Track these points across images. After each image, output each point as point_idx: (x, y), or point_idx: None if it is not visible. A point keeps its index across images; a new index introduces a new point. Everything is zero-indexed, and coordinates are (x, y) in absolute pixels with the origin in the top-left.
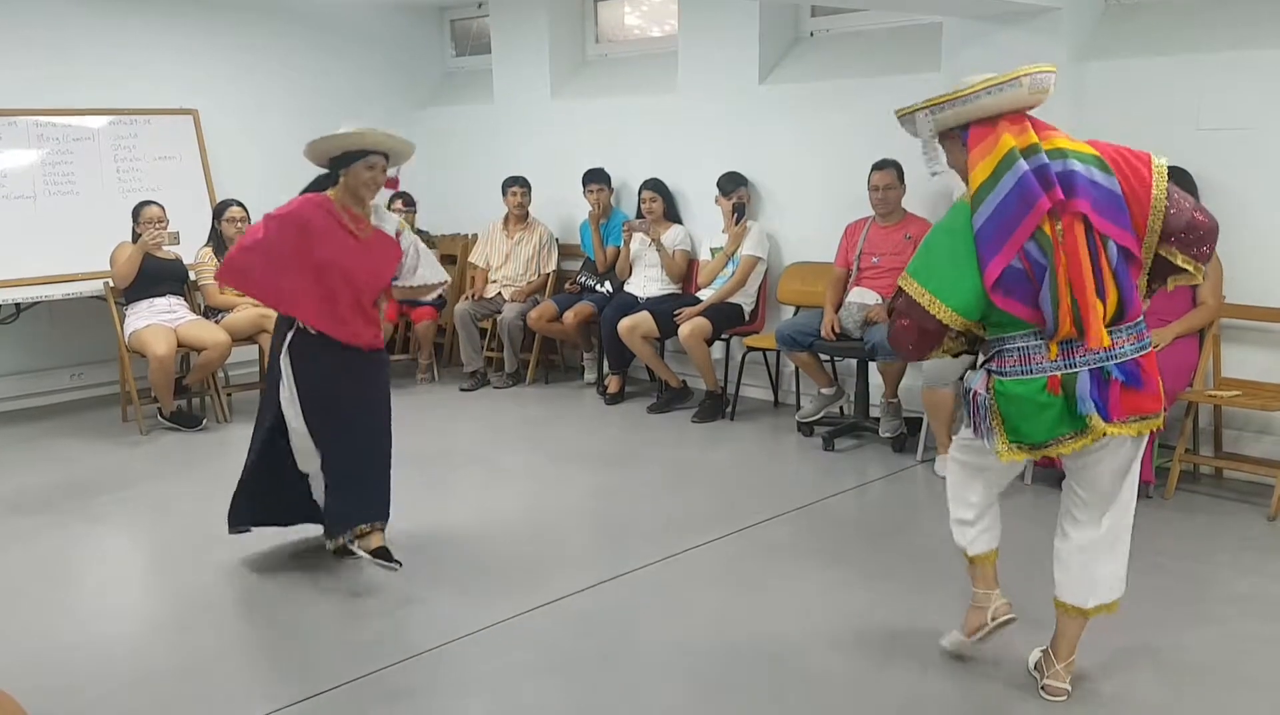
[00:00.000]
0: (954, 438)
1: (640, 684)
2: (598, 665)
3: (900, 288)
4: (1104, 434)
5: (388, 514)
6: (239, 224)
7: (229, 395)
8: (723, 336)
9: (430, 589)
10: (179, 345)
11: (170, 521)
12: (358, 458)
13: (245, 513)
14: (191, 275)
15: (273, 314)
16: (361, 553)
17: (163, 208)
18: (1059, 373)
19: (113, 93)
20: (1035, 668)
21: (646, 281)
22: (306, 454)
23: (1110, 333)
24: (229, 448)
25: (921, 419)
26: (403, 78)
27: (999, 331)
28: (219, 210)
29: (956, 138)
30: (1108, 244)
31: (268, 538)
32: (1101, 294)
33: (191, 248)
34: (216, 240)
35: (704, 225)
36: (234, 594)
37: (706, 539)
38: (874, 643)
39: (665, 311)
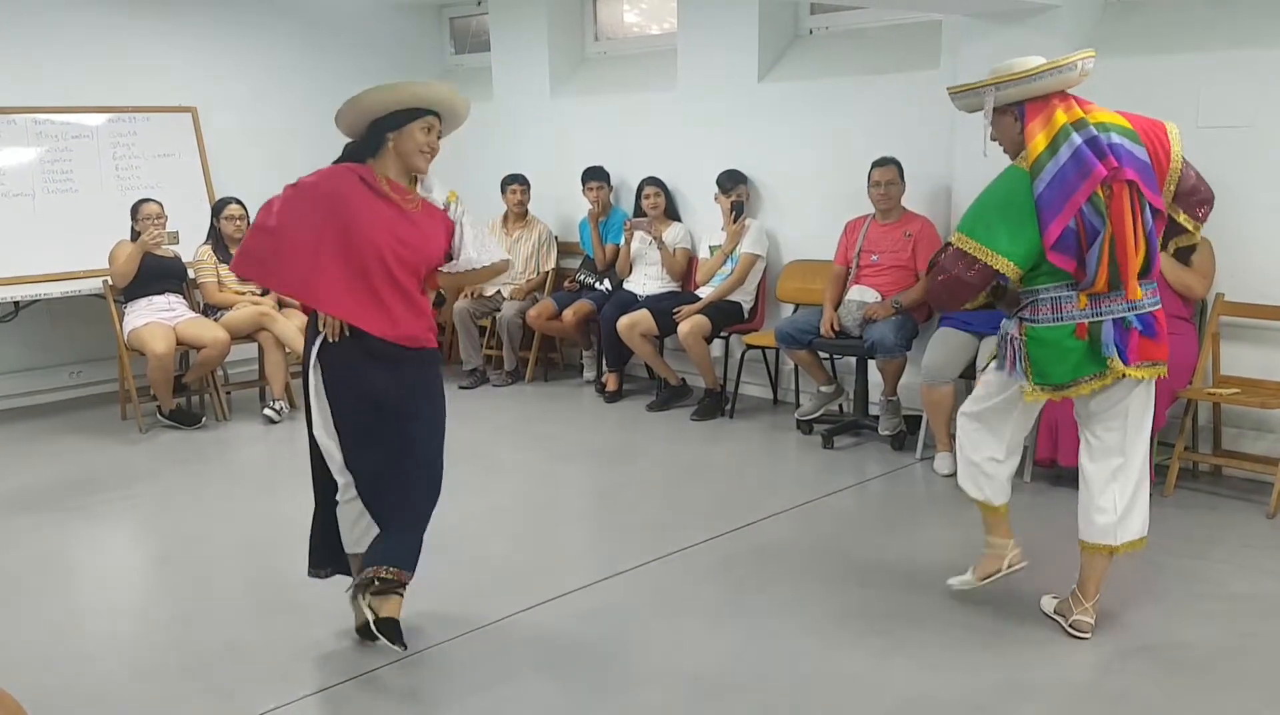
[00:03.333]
0: (971, 397)
1: (638, 682)
2: (595, 663)
3: (950, 244)
4: (1122, 375)
5: (415, 565)
6: (238, 222)
7: (228, 393)
8: (722, 334)
9: (429, 587)
10: (178, 343)
11: (169, 519)
12: (404, 489)
13: (323, 556)
14: (190, 273)
15: (274, 312)
16: (367, 613)
17: (161, 205)
18: (1087, 320)
19: (111, 90)
20: (1056, 611)
21: (646, 279)
22: (344, 483)
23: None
24: (228, 446)
25: (921, 417)
26: (401, 75)
27: (1034, 283)
28: (218, 208)
29: (1010, 113)
30: (1145, 208)
31: (267, 536)
32: (1135, 252)
33: (190, 246)
34: (215, 238)
35: (703, 223)
36: (233, 592)
37: (705, 537)
38: (873, 640)
39: (664, 309)
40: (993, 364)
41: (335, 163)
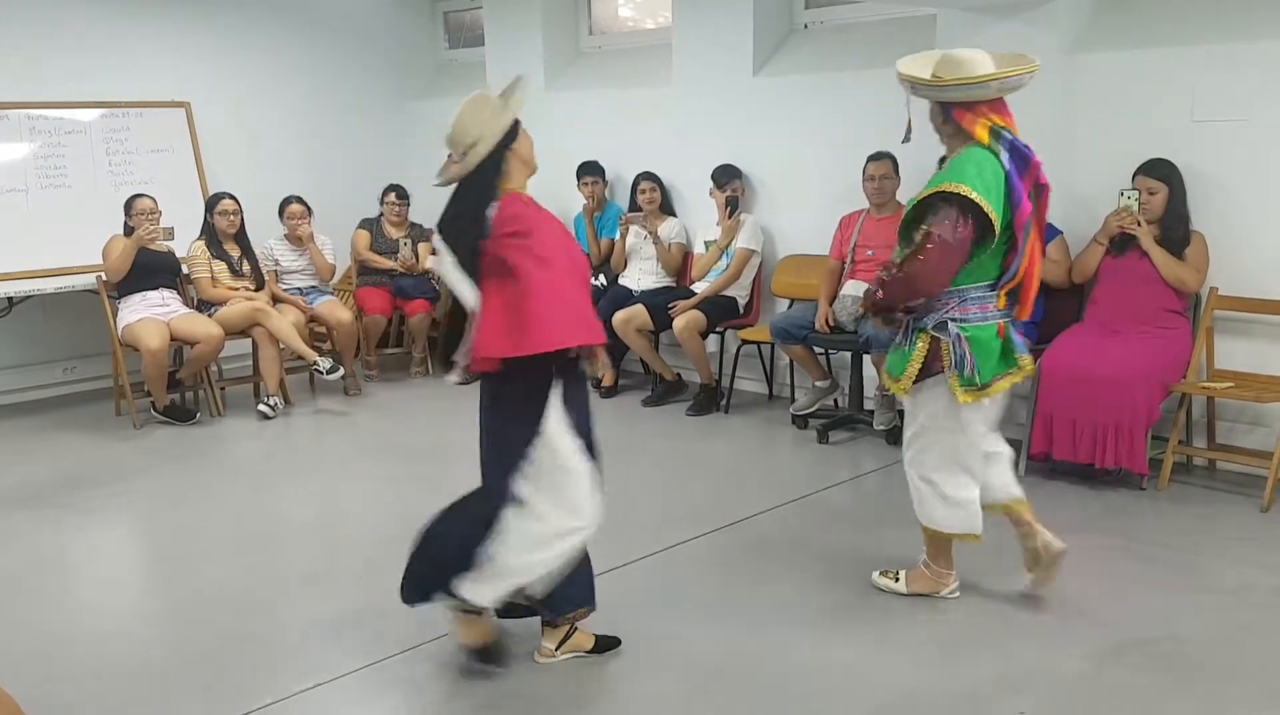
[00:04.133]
0: (914, 442)
1: (635, 673)
2: (592, 657)
3: (939, 203)
4: (1029, 372)
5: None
6: (231, 217)
7: (222, 389)
8: (717, 329)
9: None
10: (172, 339)
11: (164, 515)
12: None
13: (569, 601)
14: (184, 269)
15: (268, 308)
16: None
17: (155, 200)
18: (1004, 320)
19: (104, 85)
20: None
21: (641, 274)
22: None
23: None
24: (223, 442)
25: None
26: (396, 70)
27: (963, 282)
28: (211, 203)
29: (940, 109)
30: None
31: (262, 532)
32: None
33: (184, 241)
34: (209, 233)
35: (698, 218)
36: (228, 587)
37: (701, 532)
38: (868, 633)
39: (660, 304)
40: (921, 386)
41: (463, 201)
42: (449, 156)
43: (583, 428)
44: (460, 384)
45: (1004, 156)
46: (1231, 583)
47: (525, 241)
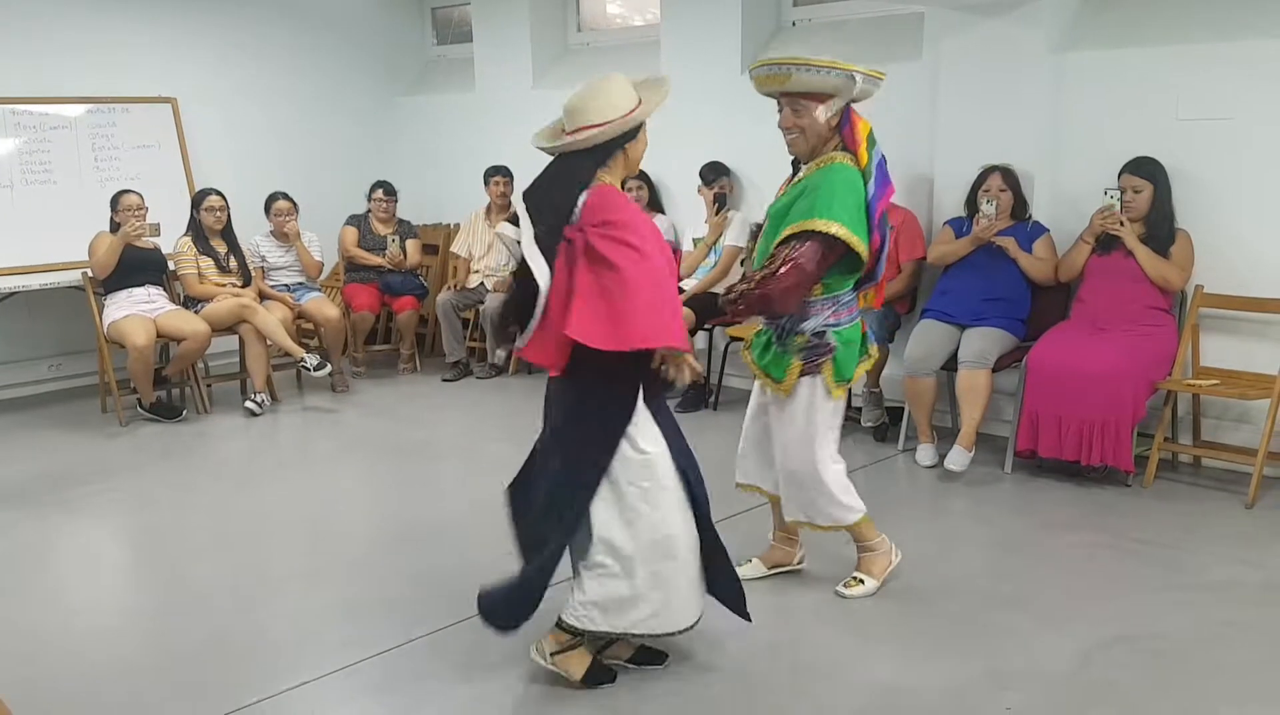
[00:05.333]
0: (828, 446)
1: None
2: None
3: (812, 231)
4: (876, 359)
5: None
6: (218, 213)
7: (209, 386)
8: (706, 327)
9: (412, 581)
10: (158, 335)
11: (149, 512)
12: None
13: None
14: (171, 265)
15: (254, 304)
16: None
17: (141, 196)
18: (861, 318)
19: (90, 81)
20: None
21: None
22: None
23: None
24: (209, 439)
25: (903, 408)
26: (384, 66)
27: (836, 288)
28: (198, 199)
29: (839, 111)
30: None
31: (248, 529)
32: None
33: (171, 237)
34: (195, 229)
35: (686, 215)
36: (213, 585)
37: None
38: (854, 630)
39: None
40: (798, 384)
41: (554, 185)
42: (561, 123)
43: (676, 445)
44: (499, 364)
45: (876, 174)
46: (1217, 579)
47: (622, 232)
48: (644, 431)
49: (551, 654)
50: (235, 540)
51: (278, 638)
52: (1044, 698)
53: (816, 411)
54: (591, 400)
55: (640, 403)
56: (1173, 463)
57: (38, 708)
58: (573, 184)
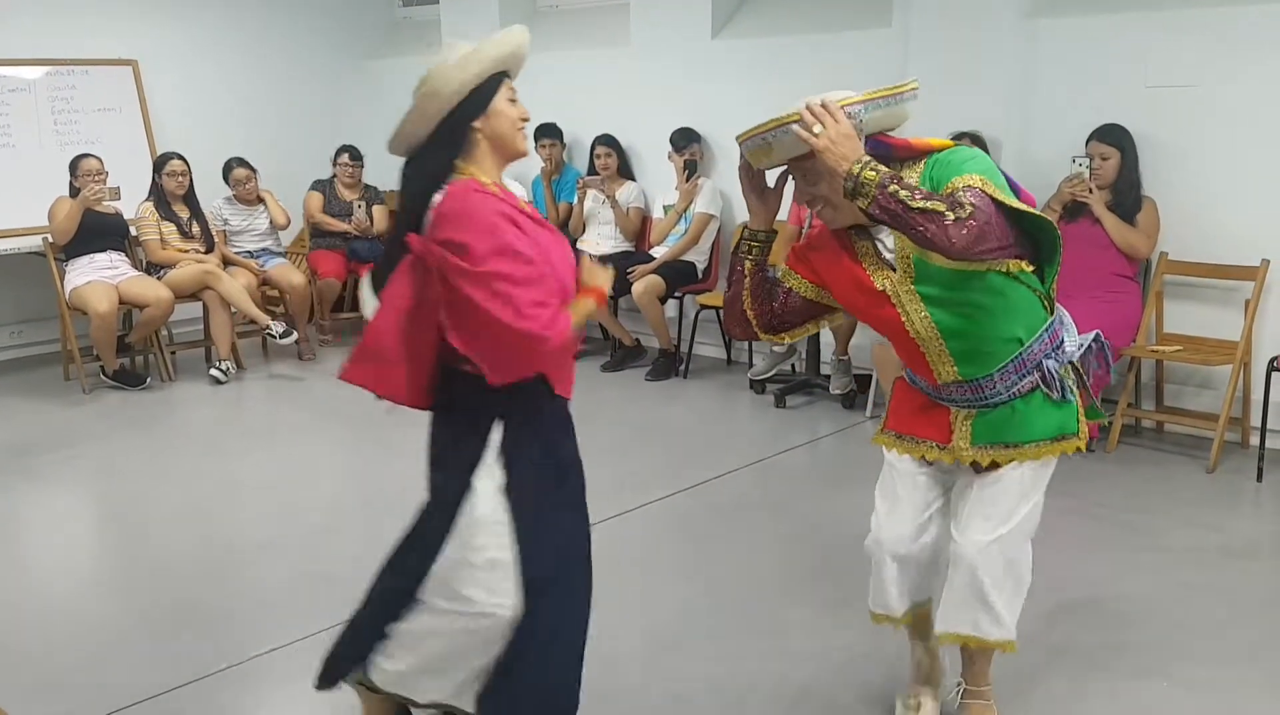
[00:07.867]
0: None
1: (597, 635)
2: None
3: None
4: None
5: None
6: (180, 178)
7: (173, 353)
8: (676, 294)
9: (381, 548)
10: (121, 302)
11: (114, 481)
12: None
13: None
14: (133, 230)
15: (218, 271)
16: None
17: (101, 160)
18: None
19: (50, 42)
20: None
21: (600, 238)
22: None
23: None
24: (173, 406)
25: (871, 376)
26: (348, 28)
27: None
28: (159, 163)
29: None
30: None
31: (214, 497)
32: None
33: (132, 202)
34: (157, 194)
35: (657, 182)
36: (180, 552)
37: (660, 495)
38: (825, 594)
39: (618, 269)
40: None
41: (415, 183)
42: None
43: (549, 472)
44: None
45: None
46: (1179, 543)
47: (460, 258)
48: (487, 486)
49: None
50: (201, 508)
51: (246, 605)
52: (1008, 659)
53: (1049, 470)
54: (443, 439)
55: (494, 439)
56: (1136, 428)
57: (3, 677)
58: (427, 183)
